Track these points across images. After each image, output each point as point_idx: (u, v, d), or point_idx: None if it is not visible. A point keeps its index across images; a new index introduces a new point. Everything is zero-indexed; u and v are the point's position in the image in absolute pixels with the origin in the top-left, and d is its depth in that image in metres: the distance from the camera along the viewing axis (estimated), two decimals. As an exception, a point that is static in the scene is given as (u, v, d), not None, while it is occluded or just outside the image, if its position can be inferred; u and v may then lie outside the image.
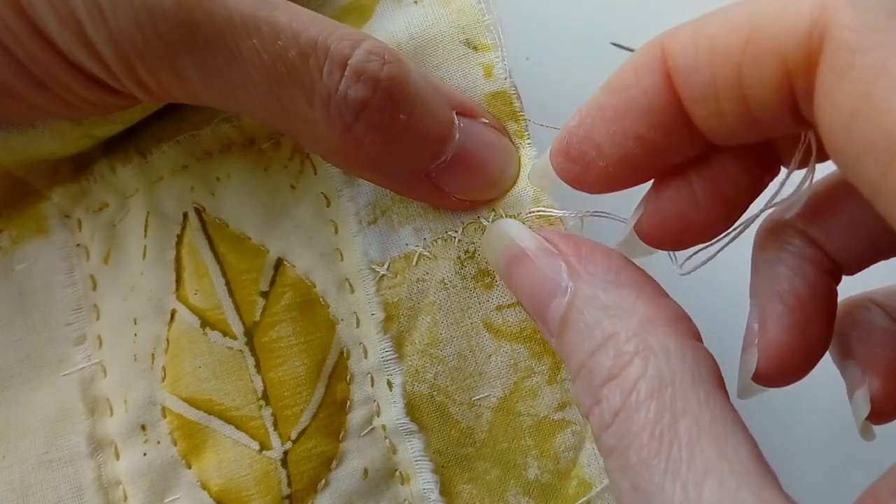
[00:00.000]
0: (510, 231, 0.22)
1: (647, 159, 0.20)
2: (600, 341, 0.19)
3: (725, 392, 0.18)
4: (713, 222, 0.21)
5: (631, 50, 0.20)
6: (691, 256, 0.22)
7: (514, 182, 0.25)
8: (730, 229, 0.21)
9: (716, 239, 0.22)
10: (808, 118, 0.17)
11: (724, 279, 0.29)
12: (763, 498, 0.15)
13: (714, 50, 0.17)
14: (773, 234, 0.23)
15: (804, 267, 0.22)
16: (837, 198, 0.23)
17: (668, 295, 0.20)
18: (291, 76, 0.21)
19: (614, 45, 0.24)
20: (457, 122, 0.23)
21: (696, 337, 0.19)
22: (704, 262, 0.22)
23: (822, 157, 0.19)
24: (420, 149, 0.22)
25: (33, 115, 0.23)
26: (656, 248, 0.22)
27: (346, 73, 0.21)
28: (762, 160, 0.21)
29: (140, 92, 0.21)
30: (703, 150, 0.20)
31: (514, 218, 0.24)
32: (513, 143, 0.25)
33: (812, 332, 0.22)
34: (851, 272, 0.23)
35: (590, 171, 0.20)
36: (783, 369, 0.22)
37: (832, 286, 0.23)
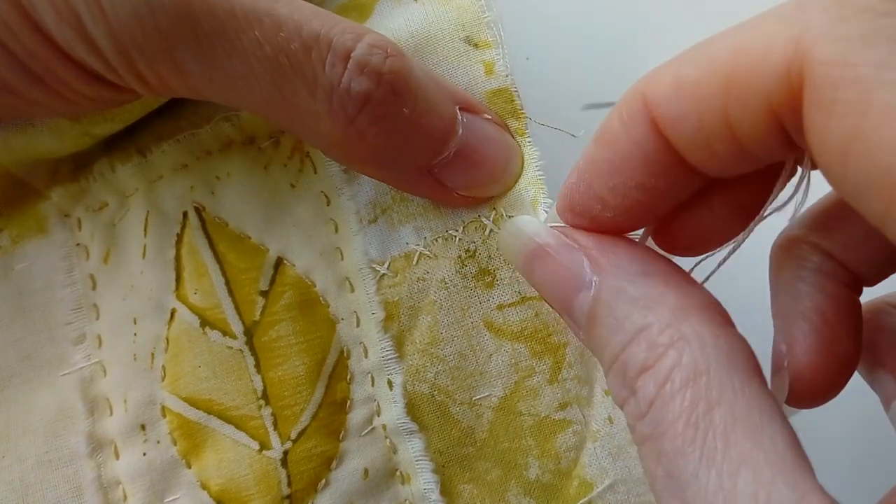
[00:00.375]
0: (527, 228, 0.22)
1: (653, 203, 0.20)
2: (632, 334, 0.18)
3: (762, 379, 0.18)
4: (729, 228, 0.21)
5: (609, 105, 0.20)
6: (699, 263, 0.22)
7: (517, 179, 0.24)
8: (738, 236, 0.21)
9: (725, 245, 0.21)
10: (801, 145, 0.17)
11: (741, 281, 0.29)
12: (798, 489, 0.15)
13: (696, 96, 0.17)
14: (788, 253, 0.23)
15: (824, 282, 0.22)
16: (847, 210, 0.22)
17: (696, 282, 0.20)
18: (294, 68, 0.20)
19: (589, 106, 0.23)
20: (460, 117, 0.23)
21: (730, 323, 0.19)
22: (717, 268, 0.22)
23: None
24: (423, 143, 0.22)
25: (31, 112, 0.23)
26: (671, 253, 0.22)
27: (349, 66, 0.21)
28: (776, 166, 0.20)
29: (140, 86, 0.21)
30: (706, 183, 0.20)
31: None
32: (515, 139, 0.25)
33: (841, 348, 0.22)
34: (872, 283, 0.23)
35: (598, 222, 0.20)
36: (816, 390, 0.21)
37: (855, 298, 0.22)
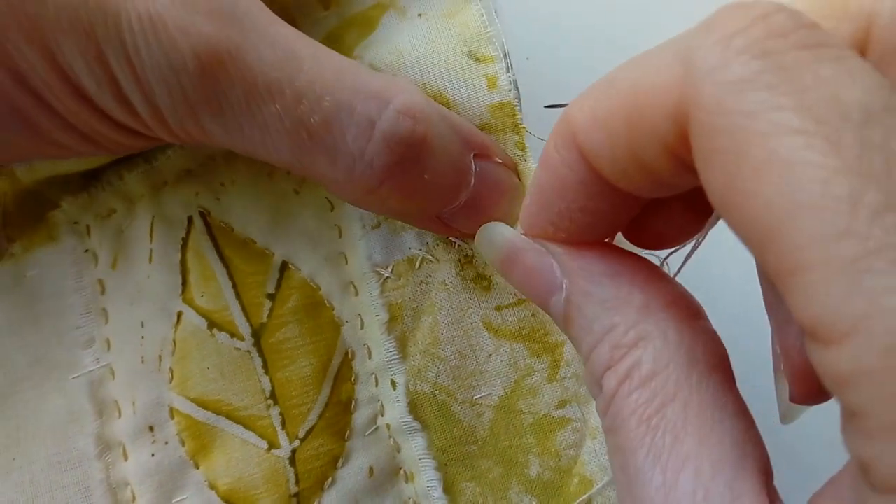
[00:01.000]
0: (501, 232, 0.23)
1: (601, 223, 0.20)
2: (600, 335, 0.19)
3: (725, 374, 0.18)
4: (694, 223, 0.21)
5: (564, 105, 0.20)
6: (668, 256, 0.23)
7: (517, 220, 0.25)
8: (699, 232, 0.21)
9: (692, 238, 0.22)
10: None
11: (714, 273, 0.29)
12: (736, 489, 0.16)
13: (607, 129, 0.17)
14: None
15: None
16: None
17: (666, 276, 0.20)
18: (313, 140, 0.20)
19: (549, 106, 0.24)
20: (473, 167, 0.23)
21: (698, 315, 0.19)
22: (683, 265, 0.22)
23: None
24: (437, 199, 0.23)
25: (71, 156, 0.24)
26: (641, 248, 0.22)
27: (373, 138, 0.20)
28: None
29: (171, 139, 0.22)
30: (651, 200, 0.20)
31: None
32: (521, 181, 0.25)
33: None
34: None
35: (558, 240, 0.21)
36: (816, 384, 0.22)
37: None
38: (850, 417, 0.13)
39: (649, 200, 0.20)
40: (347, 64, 0.21)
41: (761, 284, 0.24)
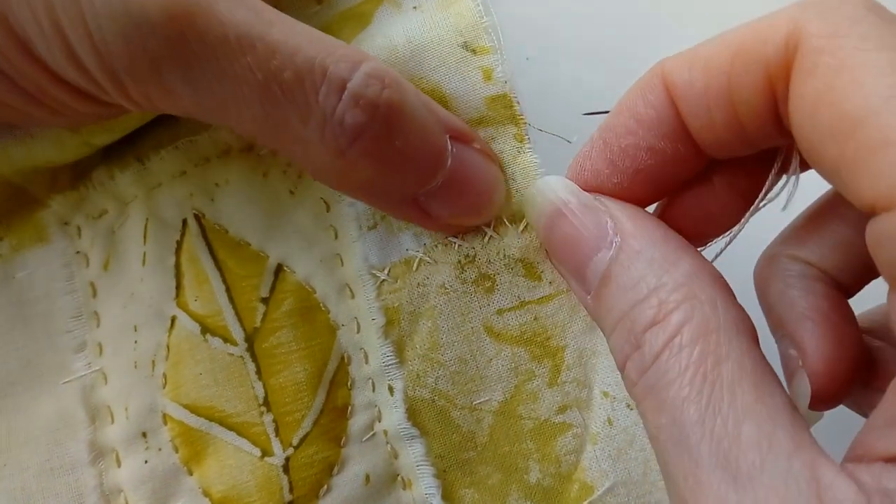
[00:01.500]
0: (556, 186, 0.22)
1: (658, 172, 0.21)
2: (645, 293, 0.19)
3: (760, 351, 0.19)
4: (729, 212, 0.22)
5: (605, 113, 0.22)
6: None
7: (500, 209, 0.24)
8: (735, 227, 0.22)
9: (723, 236, 0.23)
10: (787, 126, 0.19)
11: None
12: (796, 441, 0.17)
13: (707, 66, 0.19)
14: (771, 269, 0.24)
15: (812, 285, 0.23)
16: (821, 221, 0.23)
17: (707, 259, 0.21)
18: (286, 96, 0.20)
19: (587, 114, 0.24)
20: (449, 147, 0.23)
21: (735, 296, 0.20)
22: (719, 254, 0.23)
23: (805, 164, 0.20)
24: (412, 174, 0.22)
25: (27, 123, 0.23)
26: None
27: (343, 97, 0.20)
28: (770, 159, 0.21)
29: (129, 104, 0.21)
30: (707, 165, 0.21)
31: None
32: (502, 169, 0.24)
33: (847, 339, 0.22)
34: (852, 292, 0.23)
35: (605, 191, 0.21)
36: (835, 383, 0.22)
37: (842, 296, 0.23)
38: None
39: (705, 169, 0.22)
40: (318, 33, 0.21)
41: (762, 305, 0.24)
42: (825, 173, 0.18)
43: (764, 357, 0.18)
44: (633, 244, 0.20)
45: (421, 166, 0.22)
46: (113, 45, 0.19)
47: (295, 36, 0.20)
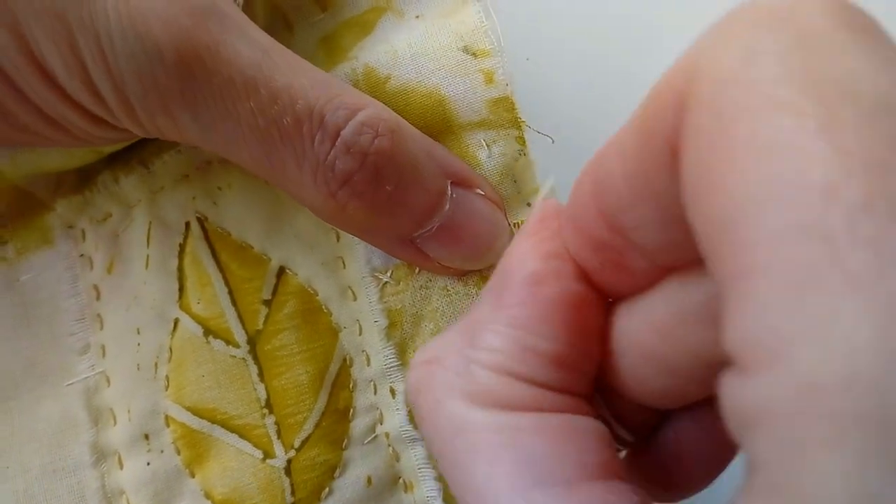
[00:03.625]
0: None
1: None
2: None
3: None
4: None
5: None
6: None
7: (500, 257, 0.24)
8: None
9: None
10: None
11: None
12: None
13: (623, 156, 0.15)
14: None
15: None
16: None
17: None
18: (283, 140, 0.21)
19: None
20: (449, 192, 0.23)
21: None
22: None
23: None
24: (404, 218, 0.22)
25: (47, 145, 0.24)
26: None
27: (336, 144, 0.21)
28: None
29: (140, 132, 0.22)
30: None
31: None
32: (507, 219, 0.24)
33: None
34: None
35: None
36: None
37: None
38: (750, 470, 0.11)
39: None
40: (322, 75, 0.22)
41: None
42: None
43: None
44: None
45: (415, 210, 0.22)
46: (129, 79, 0.20)
47: (299, 80, 0.21)
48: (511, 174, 0.25)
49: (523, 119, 0.24)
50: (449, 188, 0.23)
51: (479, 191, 0.24)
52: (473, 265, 0.24)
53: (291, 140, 0.21)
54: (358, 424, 0.25)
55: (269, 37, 0.21)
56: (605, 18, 0.36)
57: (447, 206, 0.23)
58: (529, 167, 0.25)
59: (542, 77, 0.33)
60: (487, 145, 0.24)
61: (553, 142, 0.25)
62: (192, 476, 0.25)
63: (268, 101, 0.20)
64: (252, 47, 0.20)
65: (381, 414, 0.25)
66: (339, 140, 0.21)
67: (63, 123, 0.21)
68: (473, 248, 0.24)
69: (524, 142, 0.25)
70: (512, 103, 0.24)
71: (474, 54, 0.24)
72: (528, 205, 0.25)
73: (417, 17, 0.25)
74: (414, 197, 0.22)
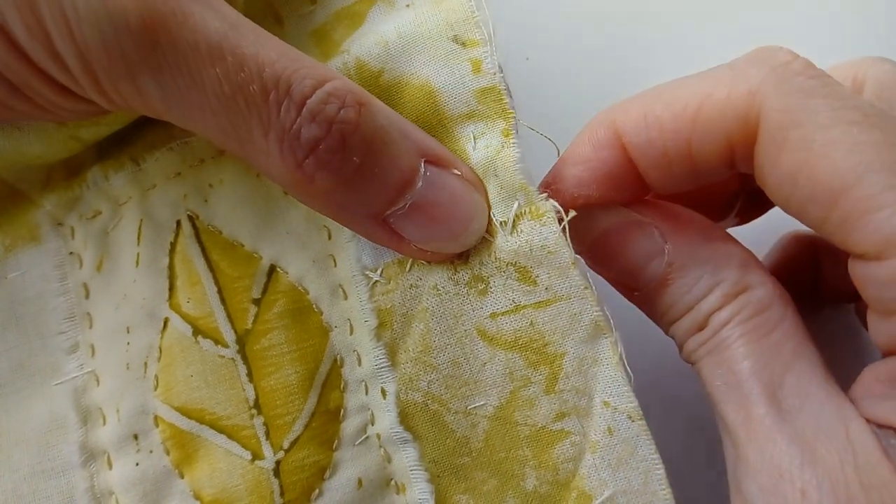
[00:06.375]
0: (599, 212, 0.24)
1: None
2: (707, 288, 0.23)
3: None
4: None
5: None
6: None
7: (479, 239, 0.24)
8: None
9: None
10: (742, 170, 0.22)
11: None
12: (827, 391, 0.21)
13: (663, 129, 0.22)
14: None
15: None
16: None
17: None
18: (250, 108, 0.20)
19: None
20: (422, 170, 0.22)
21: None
22: None
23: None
24: (374, 192, 0.22)
25: (11, 118, 0.23)
26: None
27: (302, 113, 0.21)
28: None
29: (105, 103, 0.21)
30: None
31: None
32: (485, 199, 0.24)
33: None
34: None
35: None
36: None
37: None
38: (885, 315, 0.20)
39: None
40: (291, 49, 0.21)
41: None
42: (806, 223, 0.21)
43: (803, 324, 0.23)
44: (685, 248, 0.24)
45: (385, 185, 0.22)
46: (92, 44, 0.19)
47: (266, 50, 0.20)
48: (493, 167, 0.24)
49: (512, 111, 0.24)
50: (423, 166, 0.23)
51: (455, 171, 0.23)
52: (451, 247, 0.24)
53: (258, 108, 0.20)
54: (349, 425, 0.25)
55: (237, 12, 0.21)
56: (606, 18, 0.36)
57: (419, 184, 0.22)
58: (511, 161, 0.24)
59: (542, 77, 0.33)
60: (475, 138, 0.24)
61: (555, 145, 0.25)
62: (182, 477, 0.24)
63: (234, 67, 0.20)
64: (219, 18, 0.20)
65: (373, 415, 0.25)
66: (304, 108, 0.21)
67: (27, 93, 0.21)
68: (449, 228, 0.23)
69: (510, 133, 0.24)
70: (500, 93, 0.24)
71: (463, 44, 0.24)
72: (511, 199, 0.24)
73: (408, 5, 0.25)
74: (383, 171, 0.22)
